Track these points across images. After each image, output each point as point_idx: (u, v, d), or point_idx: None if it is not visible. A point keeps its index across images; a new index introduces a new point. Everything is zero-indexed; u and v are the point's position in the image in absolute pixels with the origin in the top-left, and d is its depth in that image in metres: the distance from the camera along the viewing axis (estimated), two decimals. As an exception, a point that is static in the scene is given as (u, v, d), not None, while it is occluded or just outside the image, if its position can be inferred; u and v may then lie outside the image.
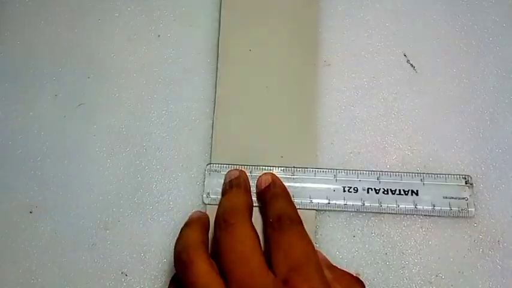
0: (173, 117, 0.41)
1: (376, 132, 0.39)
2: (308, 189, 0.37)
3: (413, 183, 0.37)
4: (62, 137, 0.41)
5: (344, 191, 0.37)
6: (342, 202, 0.37)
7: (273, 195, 0.35)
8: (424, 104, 0.40)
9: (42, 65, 0.42)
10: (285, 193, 0.36)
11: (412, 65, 0.38)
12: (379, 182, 0.37)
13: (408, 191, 0.37)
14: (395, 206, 0.36)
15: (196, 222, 0.34)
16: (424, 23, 0.42)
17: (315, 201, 0.37)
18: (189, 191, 0.39)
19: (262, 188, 0.36)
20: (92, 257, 0.38)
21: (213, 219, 0.34)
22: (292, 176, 0.37)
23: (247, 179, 0.37)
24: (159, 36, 0.43)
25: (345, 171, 0.37)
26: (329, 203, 0.37)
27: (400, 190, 0.37)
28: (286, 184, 0.37)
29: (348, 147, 0.39)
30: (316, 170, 0.38)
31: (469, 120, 0.39)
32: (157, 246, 0.38)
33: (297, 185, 0.37)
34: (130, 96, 0.41)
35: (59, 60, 0.42)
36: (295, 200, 0.37)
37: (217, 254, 0.32)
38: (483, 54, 0.41)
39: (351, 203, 0.37)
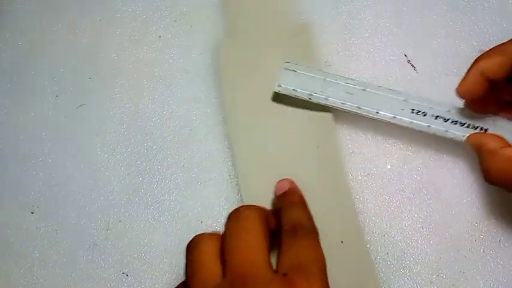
0: (174, 118, 0.41)
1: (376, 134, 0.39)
2: (376, 102, 0.36)
3: (486, 121, 0.35)
4: (63, 138, 0.41)
5: (412, 112, 0.36)
6: (408, 119, 0.36)
7: (290, 203, 0.34)
8: (425, 104, 0.40)
9: (43, 66, 0.43)
10: (302, 202, 0.35)
11: (412, 65, 0.38)
12: (449, 112, 0.36)
13: (478, 127, 0.35)
14: (461, 135, 0.35)
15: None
16: (424, 23, 0.42)
17: (381, 113, 0.36)
18: (190, 191, 0.39)
19: (279, 194, 0.35)
20: (92, 257, 0.38)
21: None
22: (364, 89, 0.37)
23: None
24: (159, 36, 0.43)
25: (417, 97, 0.36)
26: (395, 117, 0.36)
27: (469, 124, 0.35)
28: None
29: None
30: (389, 89, 0.37)
31: (469, 120, 0.39)
32: (158, 246, 0.38)
33: (367, 90, 0.37)
34: (131, 97, 0.41)
35: (60, 61, 0.43)
36: (362, 108, 0.36)
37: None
38: (483, 54, 0.41)
39: (417, 122, 0.35)
